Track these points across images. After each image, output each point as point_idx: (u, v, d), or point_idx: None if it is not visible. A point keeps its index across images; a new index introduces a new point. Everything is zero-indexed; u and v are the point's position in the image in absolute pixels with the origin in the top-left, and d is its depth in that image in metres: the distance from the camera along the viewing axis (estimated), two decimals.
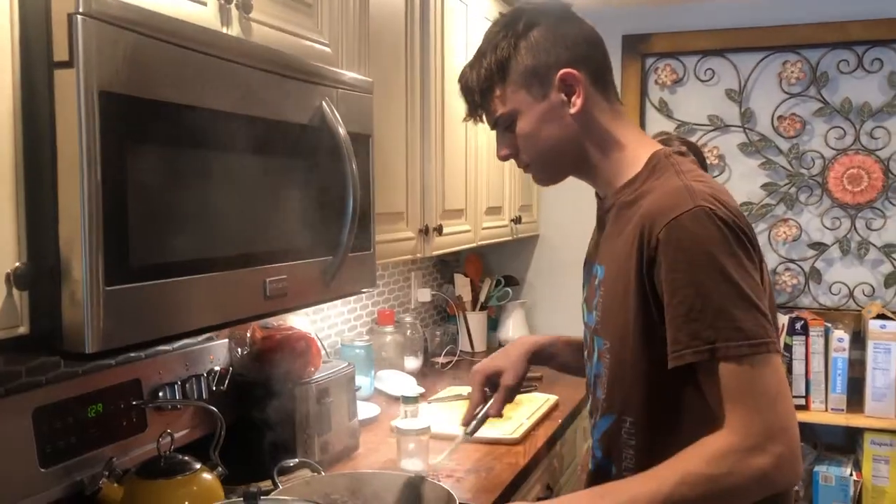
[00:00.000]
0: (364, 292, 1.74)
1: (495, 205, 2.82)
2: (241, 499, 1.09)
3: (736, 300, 1.02)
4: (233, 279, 1.23)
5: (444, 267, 3.30)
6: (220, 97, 1.18)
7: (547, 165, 1.26)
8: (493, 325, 3.36)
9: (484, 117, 1.26)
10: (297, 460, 1.60)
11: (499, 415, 1.42)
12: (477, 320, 3.20)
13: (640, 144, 1.22)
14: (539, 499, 1.99)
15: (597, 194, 1.30)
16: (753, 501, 1.04)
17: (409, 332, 2.80)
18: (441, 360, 2.95)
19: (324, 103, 1.44)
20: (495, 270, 3.43)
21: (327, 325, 2.43)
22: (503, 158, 1.27)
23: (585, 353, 1.30)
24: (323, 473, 1.58)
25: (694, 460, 1.03)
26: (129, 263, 1.02)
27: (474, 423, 1.43)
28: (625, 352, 1.14)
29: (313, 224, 1.46)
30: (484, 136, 2.68)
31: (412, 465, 1.76)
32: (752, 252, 1.08)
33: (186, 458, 1.41)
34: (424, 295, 3.04)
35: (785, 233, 3.10)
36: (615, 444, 1.19)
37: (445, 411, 2.24)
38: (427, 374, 2.78)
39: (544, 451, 2.06)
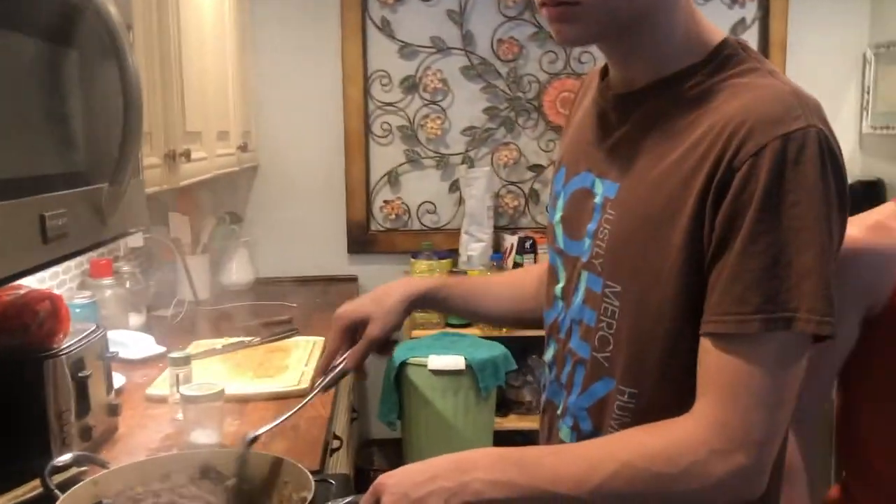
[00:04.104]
0: (132, 233, 1.36)
1: (223, 129, 2.46)
2: None
3: (824, 264, 0.79)
4: (4, 213, 0.84)
5: (153, 205, 2.84)
6: None
7: (608, 6, 0.86)
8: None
9: None
10: (70, 455, 1.21)
11: (356, 369, 1.14)
12: (199, 264, 2.82)
13: (711, 26, 0.91)
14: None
15: (602, 78, 0.99)
16: None
17: (128, 283, 2.37)
18: (168, 312, 2.55)
19: None
20: (211, 207, 3.05)
21: (35, 281, 1.93)
22: None
23: (557, 287, 1.03)
24: (111, 467, 1.21)
25: (643, 449, 0.83)
26: None
27: (328, 378, 1.14)
28: (649, 302, 0.87)
29: (87, 140, 1.08)
30: (210, 36, 2.30)
31: (205, 438, 1.45)
32: (847, 209, 0.84)
33: None
34: (136, 239, 2.58)
35: (506, 156, 3.18)
36: (607, 417, 0.93)
37: (206, 369, 1.92)
38: (156, 330, 2.37)
39: (336, 396, 1.85)
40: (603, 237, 0.93)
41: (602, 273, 0.93)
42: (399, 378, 2.81)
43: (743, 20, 3.16)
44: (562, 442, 1.00)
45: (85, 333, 1.47)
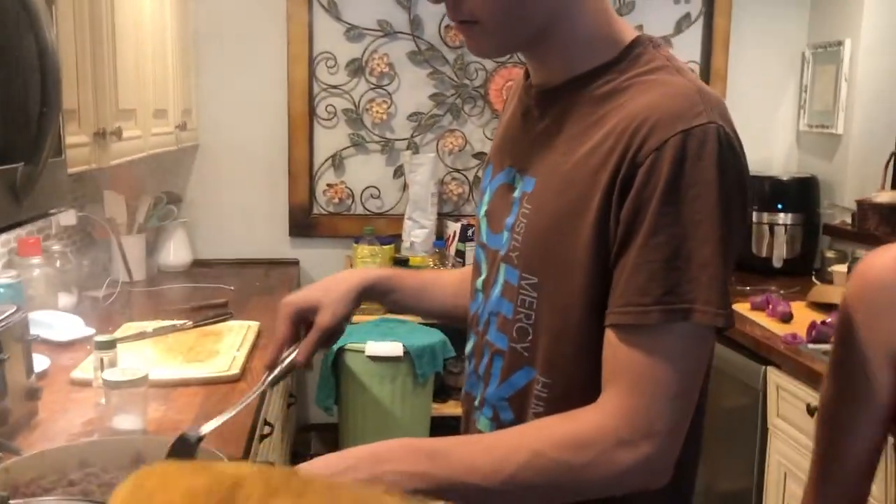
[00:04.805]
0: (51, 213, 1.32)
1: (161, 107, 2.40)
2: None
3: (722, 258, 0.81)
4: None
5: (88, 183, 2.77)
6: None
7: (507, 24, 0.88)
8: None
9: None
10: None
11: (305, 363, 1.07)
12: (134, 244, 2.77)
13: (624, 24, 0.93)
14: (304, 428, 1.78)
15: (526, 77, 1.01)
16: (609, 496, 0.87)
17: (58, 262, 2.31)
18: (101, 293, 2.49)
19: None
20: (149, 186, 2.99)
21: None
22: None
23: (479, 280, 1.03)
24: (24, 454, 1.19)
25: (553, 438, 0.84)
26: None
27: (276, 371, 1.06)
28: (561, 294, 0.89)
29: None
30: (149, 11, 2.24)
31: (129, 423, 1.43)
32: (747, 204, 0.86)
33: None
34: (69, 217, 2.51)
35: (452, 143, 3.17)
36: (528, 406, 0.94)
37: (135, 353, 1.88)
38: (88, 311, 2.32)
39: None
40: (520, 230, 0.94)
41: (518, 265, 0.94)
42: (336, 364, 2.80)
43: (688, 15, 3.20)
44: (479, 433, 1.01)
45: (3, 315, 1.43)
